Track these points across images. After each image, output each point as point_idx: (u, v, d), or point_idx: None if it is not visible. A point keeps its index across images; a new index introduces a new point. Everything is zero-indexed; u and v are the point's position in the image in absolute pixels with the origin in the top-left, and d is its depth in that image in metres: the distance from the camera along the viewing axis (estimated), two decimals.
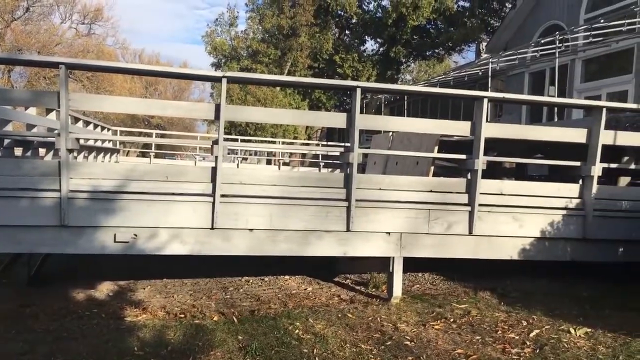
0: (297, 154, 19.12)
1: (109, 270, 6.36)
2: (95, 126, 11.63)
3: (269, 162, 18.94)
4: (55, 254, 6.30)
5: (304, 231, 4.91)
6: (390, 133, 7.81)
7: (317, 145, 21.34)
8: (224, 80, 4.35)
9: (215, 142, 4.50)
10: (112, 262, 5.66)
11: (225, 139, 4.69)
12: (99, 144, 10.60)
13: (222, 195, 4.59)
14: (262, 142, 19.00)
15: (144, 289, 5.94)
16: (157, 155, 15.14)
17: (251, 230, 4.78)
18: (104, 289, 5.86)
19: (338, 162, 14.33)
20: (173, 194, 4.56)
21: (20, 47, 31.59)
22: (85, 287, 5.85)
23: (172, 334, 4.43)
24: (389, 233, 5.15)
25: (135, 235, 4.52)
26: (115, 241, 4.49)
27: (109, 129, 13.79)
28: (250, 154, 21.25)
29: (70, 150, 4.30)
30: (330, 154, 14.67)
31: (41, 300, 5.26)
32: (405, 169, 6.64)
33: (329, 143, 20.56)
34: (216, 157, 4.53)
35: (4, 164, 4.49)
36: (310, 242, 4.96)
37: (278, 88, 26.25)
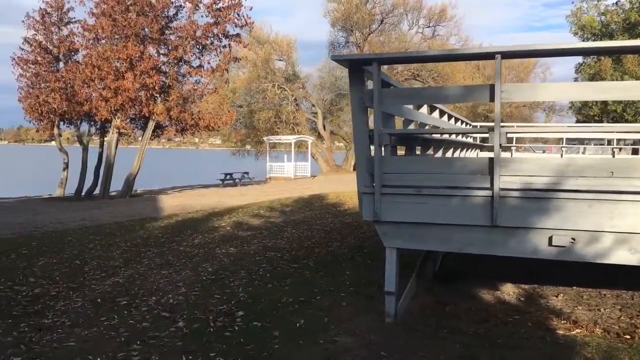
0: None
1: (496, 269, 6.10)
2: (456, 120, 11.48)
3: (634, 152, 15.85)
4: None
5: None
6: None
7: None
8: None
9: None
10: (497, 261, 5.22)
11: None
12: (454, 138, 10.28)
13: None
14: None
15: (556, 296, 5.36)
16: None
17: None
18: (509, 292, 5.54)
19: None
20: (619, 192, 3.80)
21: None
22: (486, 286, 5.66)
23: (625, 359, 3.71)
24: None
25: (573, 239, 3.95)
26: (549, 245, 4.01)
27: (467, 123, 13.63)
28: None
29: (500, 147, 4.03)
30: None
31: (451, 297, 5.26)
32: None
33: None
34: None
35: (430, 163, 4.55)
36: None
37: None
